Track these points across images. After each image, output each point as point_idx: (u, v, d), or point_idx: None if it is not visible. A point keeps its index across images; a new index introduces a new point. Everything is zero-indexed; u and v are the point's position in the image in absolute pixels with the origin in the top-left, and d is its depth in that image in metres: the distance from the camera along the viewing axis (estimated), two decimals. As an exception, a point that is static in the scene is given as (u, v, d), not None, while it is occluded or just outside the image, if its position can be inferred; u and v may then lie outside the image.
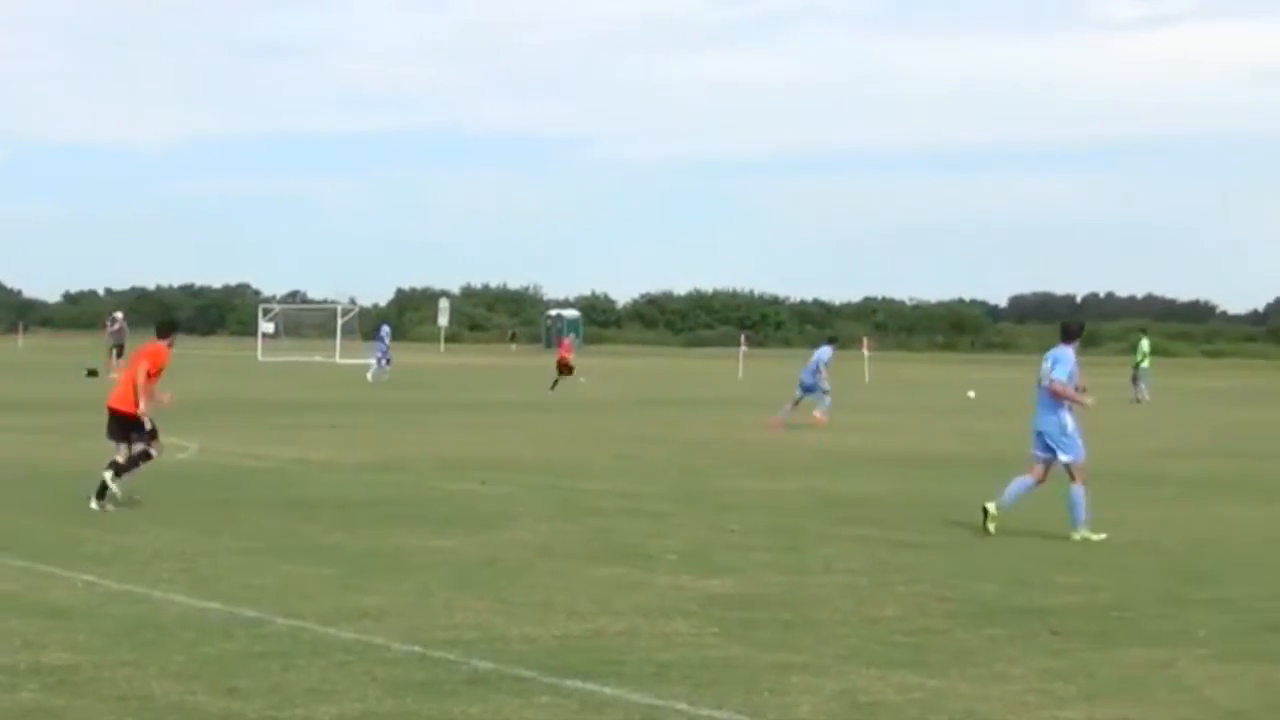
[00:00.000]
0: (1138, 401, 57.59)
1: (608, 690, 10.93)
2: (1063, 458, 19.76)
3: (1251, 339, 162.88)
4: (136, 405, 20.77)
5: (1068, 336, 20.42)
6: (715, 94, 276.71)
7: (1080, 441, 19.85)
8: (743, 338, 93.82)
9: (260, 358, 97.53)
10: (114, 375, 62.82)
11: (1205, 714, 10.73)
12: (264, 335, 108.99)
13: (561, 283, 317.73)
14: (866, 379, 71.84)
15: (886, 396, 59.49)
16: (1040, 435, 19.96)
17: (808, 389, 40.92)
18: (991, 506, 19.85)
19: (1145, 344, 61.51)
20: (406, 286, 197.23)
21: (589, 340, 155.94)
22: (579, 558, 17.10)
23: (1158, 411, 52.00)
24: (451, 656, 11.90)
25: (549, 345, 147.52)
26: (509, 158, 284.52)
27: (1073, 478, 19.67)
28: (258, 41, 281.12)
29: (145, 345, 21.60)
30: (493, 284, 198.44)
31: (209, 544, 17.52)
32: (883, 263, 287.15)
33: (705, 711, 10.47)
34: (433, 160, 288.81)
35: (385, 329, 70.28)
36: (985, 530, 19.63)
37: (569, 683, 11.12)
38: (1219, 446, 35.51)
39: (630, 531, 19.29)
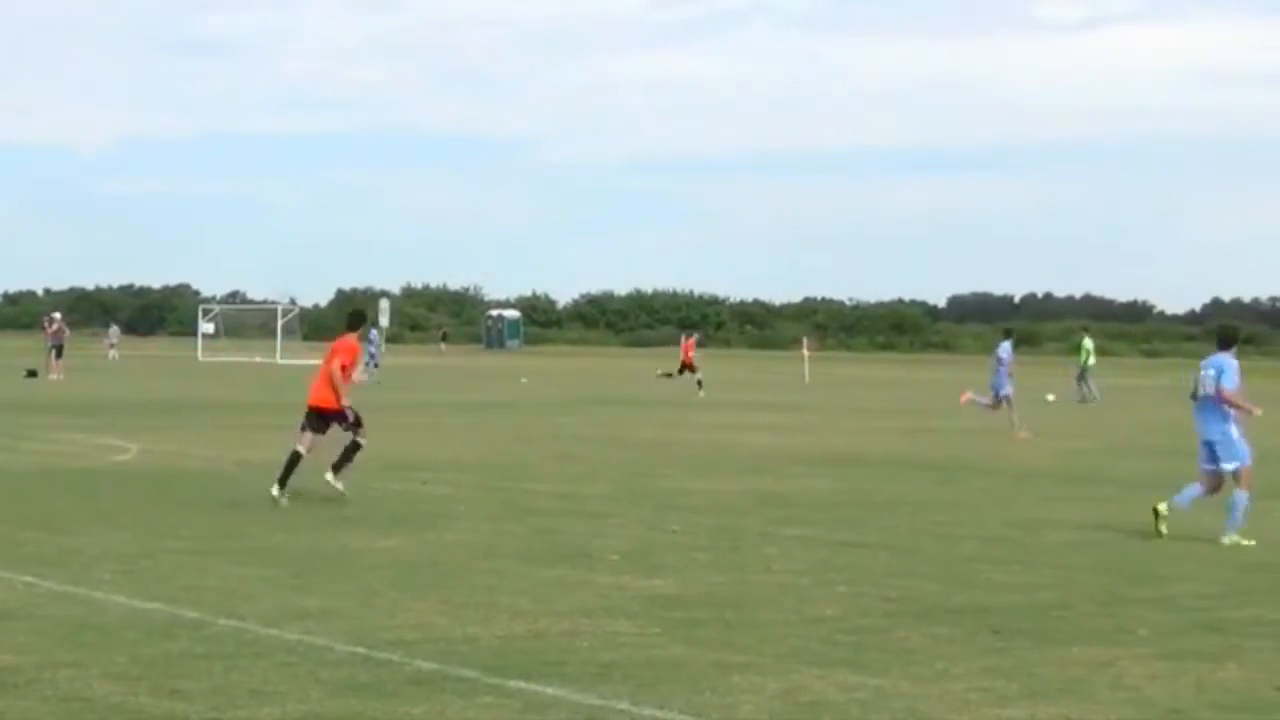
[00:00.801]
0: (1083, 401, 57.63)
1: (550, 690, 10.93)
2: (1228, 466, 19.62)
3: (1189, 339, 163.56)
4: (337, 400, 21.86)
5: (1225, 343, 20.24)
6: (657, 94, 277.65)
7: (1247, 448, 19.74)
8: (683, 338, 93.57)
9: (200, 358, 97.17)
10: (53, 377, 62.69)
11: (1146, 712, 10.79)
12: (204, 336, 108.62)
13: (502, 283, 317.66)
14: (806, 379, 71.99)
15: (827, 396, 59.61)
16: (1208, 445, 19.83)
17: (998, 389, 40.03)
18: (1163, 507, 19.66)
19: (1089, 343, 61.47)
20: (347, 287, 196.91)
21: (530, 341, 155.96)
22: (521, 558, 17.10)
23: (1097, 411, 52.27)
24: (395, 657, 11.88)
25: (489, 346, 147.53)
26: (451, 158, 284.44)
27: (1237, 482, 19.55)
28: (197, 40, 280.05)
29: (338, 340, 22.43)
30: (433, 284, 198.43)
31: (151, 545, 17.44)
32: (823, 263, 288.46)
33: (648, 712, 10.47)
34: (374, 160, 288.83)
35: (375, 332, 70.66)
36: (1158, 533, 19.47)
37: (512, 683, 11.11)
38: (1158, 445, 35.71)
39: (572, 532, 19.29)
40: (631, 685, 11.14)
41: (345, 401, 21.86)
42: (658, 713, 10.47)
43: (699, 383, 58.74)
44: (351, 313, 24.01)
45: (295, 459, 21.65)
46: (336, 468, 21.86)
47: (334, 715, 10.26)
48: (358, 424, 21.95)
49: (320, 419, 22.03)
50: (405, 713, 10.32)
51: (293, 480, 21.42)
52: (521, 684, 11.09)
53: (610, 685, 11.13)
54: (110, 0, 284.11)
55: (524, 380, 65.35)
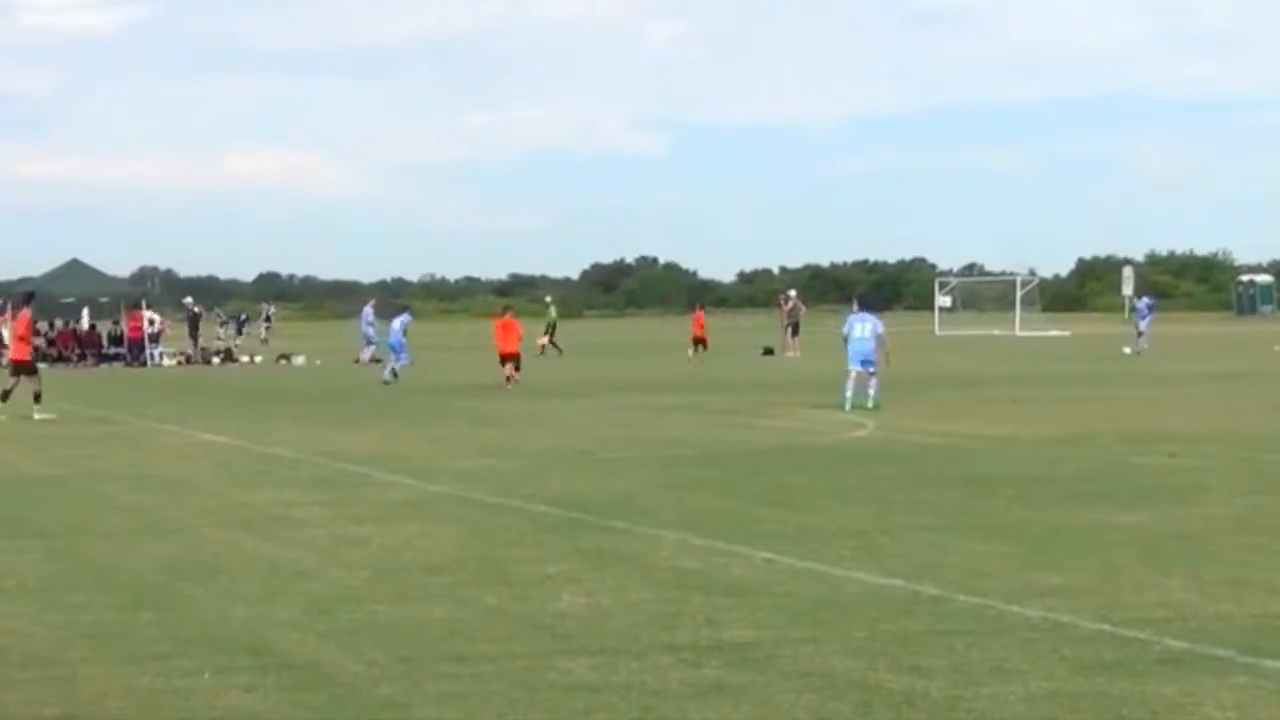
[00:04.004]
0: None
1: (1315, 673, 10.27)
2: None
3: None
4: None
5: None
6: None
7: None
8: None
9: (937, 331, 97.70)
10: (790, 354, 63.85)
11: None
12: (940, 309, 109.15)
13: (1254, 246, 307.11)
14: None
15: None
16: None
17: None
18: None
19: None
20: (1088, 255, 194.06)
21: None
22: (1276, 533, 16.24)
23: None
24: (1142, 635, 11.41)
25: (1240, 312, 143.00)
26: (1191, 119, 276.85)
27: None
28: (926, 12, 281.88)
29: None
30: (1179, 250, 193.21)
31: (888, 521, 17.34)
32: None
33: None
34: (1112, 125, 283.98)
35: (1144, 301, 70.39)
36: None
37: (1268, 663, 10.53)
38: None
39: (1332, 505, 18.26)
40: None
41: None
42: None
43: None
44: None
45: None
46: None
47: (1079, 694, 9.89)
48: None
49: None
50: (1155, 692, 9.86)
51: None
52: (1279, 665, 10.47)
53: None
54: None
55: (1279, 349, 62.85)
